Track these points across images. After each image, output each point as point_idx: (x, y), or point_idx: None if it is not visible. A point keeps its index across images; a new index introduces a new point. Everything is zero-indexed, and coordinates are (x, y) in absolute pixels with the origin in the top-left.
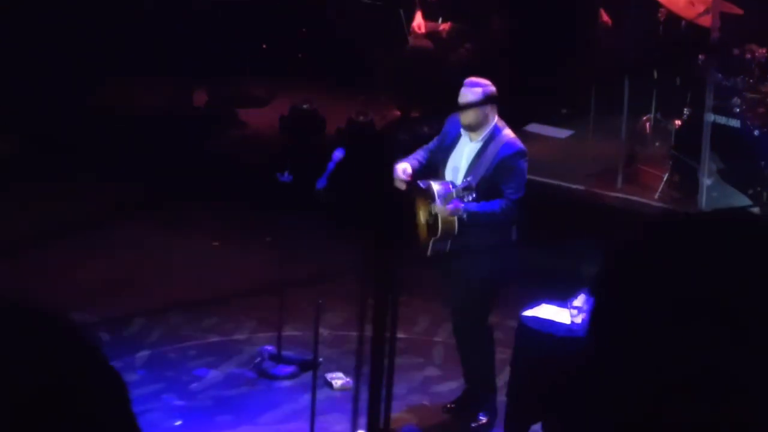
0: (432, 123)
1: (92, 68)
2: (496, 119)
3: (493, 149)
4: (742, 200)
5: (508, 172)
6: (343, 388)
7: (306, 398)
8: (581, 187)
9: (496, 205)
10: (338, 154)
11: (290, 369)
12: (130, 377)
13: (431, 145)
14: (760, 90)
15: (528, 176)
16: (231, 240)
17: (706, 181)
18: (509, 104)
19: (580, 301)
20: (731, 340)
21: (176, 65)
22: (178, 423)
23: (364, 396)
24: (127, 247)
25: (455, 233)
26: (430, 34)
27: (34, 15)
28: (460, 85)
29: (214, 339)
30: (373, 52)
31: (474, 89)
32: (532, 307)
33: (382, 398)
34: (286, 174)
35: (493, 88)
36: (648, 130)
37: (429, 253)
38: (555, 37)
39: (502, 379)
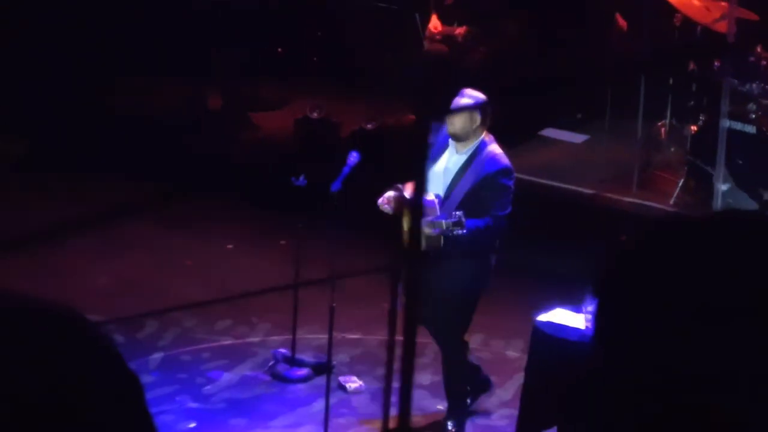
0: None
1: (106, 69)
2: (484, 134)
3: (478, 163)
4: (756, 206)
5: (493, 189)
6: (356, 392)
7: (320, 401)
8: (595, 192)
9: (482, 223)
10: (353, 158)
11: (304, 372)
12: (144, 379)
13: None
14: None
15: (543, 180)
16: (245, 242)
17: (722, 187)
18: (523, 108)
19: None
20: (738, 340)
21: (191, 67)
22: (192, 425)
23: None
24: (140, 248)
25: (440, 247)
26: (446, 38)
27: (49, 15)
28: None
29: (228, 342)
30: (389, 56)
31: (465, 99)
32: (546, 312)
33: (402, 401)
34: (300, 178)
35: (484, 99)
36: (663, 136)
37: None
38: (569, 41)
39: (515, 383)
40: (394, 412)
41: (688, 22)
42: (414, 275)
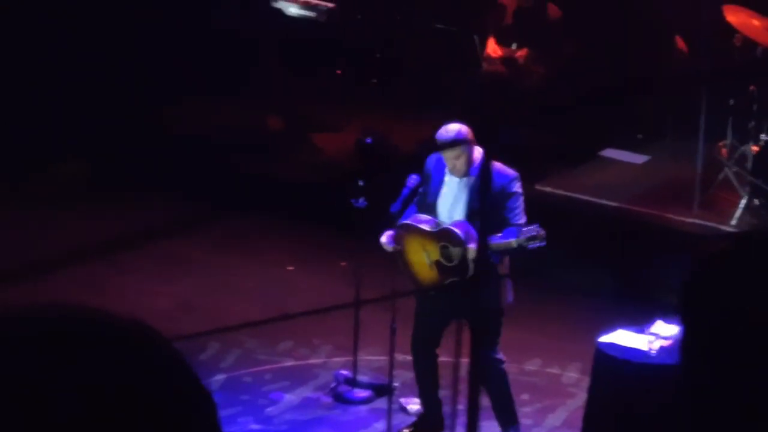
0: None
1: (168, 90)
2: (479, 152)
3: (487, 180)
4: None
5: (507, 199)
6: (418, 413)
7: (381, 423)
8: (656, 213)
9: (513, 234)
10: (413, 181)
11: (365, 394)
12: None
13: (417, 197)
14: None
15: (602, 200)
16: (306, 264)
17: None
18: (583, 129)
19: (657, 327)
20: None
21: (252, 88)
22: None
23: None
24: (200, 269)
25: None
26: (505, 60)
27: (110, 36)
28: (534, 109)
29: (290, 363)
30: (448, 78)
31: (453, 147)
32: (608, 333)
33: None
34: (360, 199)
35: (466, 129)
36: (724, 156)
37: (438, 289)
38: (629, 63)
39: (568, 409)
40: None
41: (749, 43)
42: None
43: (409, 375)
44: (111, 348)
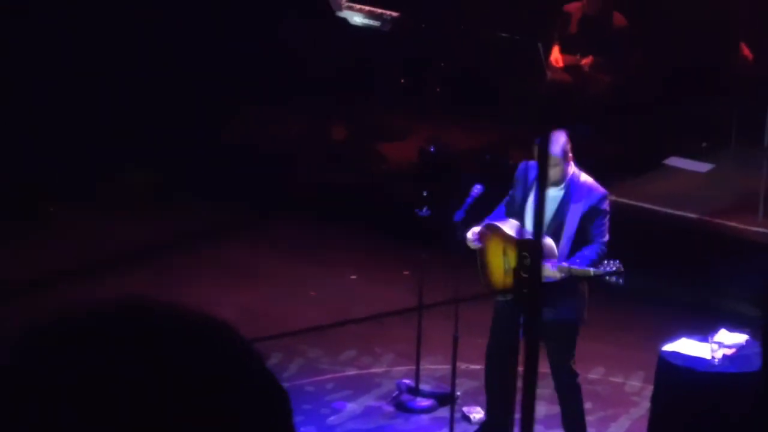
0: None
1: (232, 99)
2: (573, 167)
3: (578, 195)
4: None
5: (596, 217)
6: (480, 422)
7: None
8: (721, 221)
9: (594, 254)
10: (477, 190)
11: (428, 403)
12: None
13: (507, 198)
14: None
15: (667, 209)
16: (369, 273)
17: None
18: (648, 137)
19: (720, 335)
20: None
21: (314, 98)
22: None
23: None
24: (264, 278)
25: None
26: (569, 68)
27: (172, 49)
28: (600, 117)
29: (352, 372)
30: (512, 86)
31: (555, 149)
32: (671, 342)
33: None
34: (424, 208)
35: (566, 140)
36: None
37: (508, 297)
38: (696, 71)
39: (630, 417)
40: None
41: None
42: (534, 310)
43: (471, 384)
44: (193, 343)
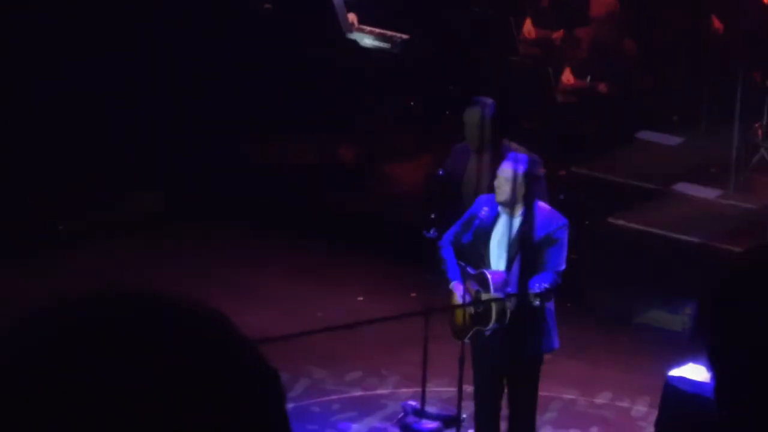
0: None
1: (240, 125)
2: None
3: (537, 224)
4: None
5: (553, 245)
6: None
7: None
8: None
9: (548, 281)
10: (485, 212)
11: (434, 425)
12: None
13: (454, 230)
14: None
15: (675, 234)
16: (376, 295)
17: None
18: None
19: None
20: None
21: (323, 121)
22: None
23: None
24: (271, 299)
25: (506, 318)
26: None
27: (185, 74)
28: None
29: (358, 393)
30: (526, 113)
31: (519, 165)
32: (678, 367)
33: None
34: (432, 230)
35: (530, 158)
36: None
37: (467, 339)
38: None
39: None
40: None
41: None
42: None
43: None
44: (188, 335)
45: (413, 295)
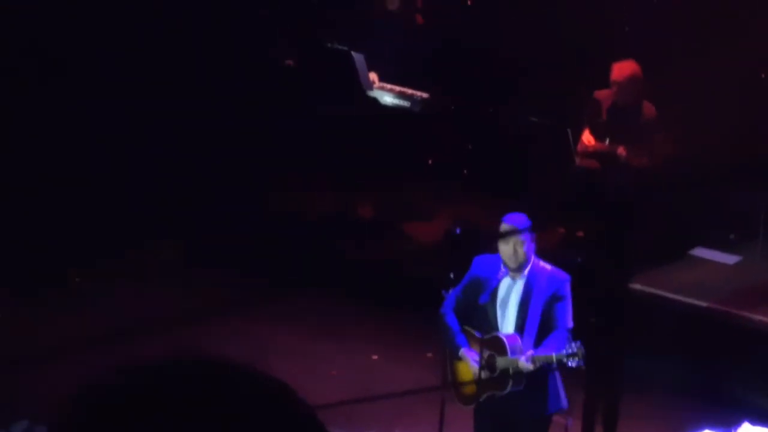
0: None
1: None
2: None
3: (541, 284)
4: None
5: (559, 302)
6: None
7: None
8: (746, 314)
9: (561, 341)
10: (503, 273)
11: None
12: None
13: (454, 296)
14: None
15: (693, 300)
16: (391, 353)
17: None
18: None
19: (744, 429)
20: None
21: (342, 176)
22: None
23: None
24: (286, 355)
25: (523, 381)
26: (597, 153)
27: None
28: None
29: None
30: (540, 170)
31: (511, 225)
32: None
33: None
34: (450, 290)
35: (530, 224)
36: None
37: (480, 401)
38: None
39: None
40: None
41: None
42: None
43: None
44: (261, 408)
45: (429, 355)
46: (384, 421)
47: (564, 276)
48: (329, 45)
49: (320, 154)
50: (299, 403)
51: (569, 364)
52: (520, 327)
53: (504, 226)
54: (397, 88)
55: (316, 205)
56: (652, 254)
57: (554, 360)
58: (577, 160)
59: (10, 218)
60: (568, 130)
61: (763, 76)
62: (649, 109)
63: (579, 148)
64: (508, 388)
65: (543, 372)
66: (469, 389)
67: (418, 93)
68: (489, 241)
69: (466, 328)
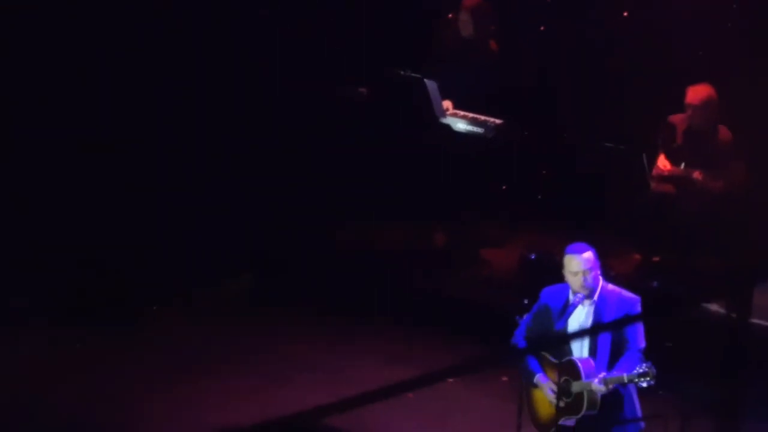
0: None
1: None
2: (601, 279)
3: (611, 307)
4: None
5: (631, 324)
6: None
7: None
8: None
9: (635, 361)
10: (578, 298)
11: None
12: None
13: (524, 325)
14: None
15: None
16: (467, 378)
17: None
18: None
19: None
20: None
21: (415, 205)
22: None
23: None
24: (364, 382)
25: (597, 405)
26: (673, 178)
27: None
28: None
29: None
30: (615, 196)
31: (585, 254)
32: None
33: None
34: (525, 316)
35: (593, 252)
36: None
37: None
38: None
39: None
40: None
41: None
42: None
43: None
44: None
45: (505, 379)
46: None
47: (633, 297)
48: (402, 73)
49: (394, 182)
50: None
51: (641, 384)
52: (593, 350)
53: (568, 257)
54: (471, 115)
55: (389, 234)
56: (725, 280)
57: (626, 381)
58: (653, 185)
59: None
60: (644, 155)
61: None
62: (724, 133)
63: (654, 172)
64: (583, 412)
65: (619, 395)
66: (544, 415)
67: (492, 119)
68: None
69: (540, 354)
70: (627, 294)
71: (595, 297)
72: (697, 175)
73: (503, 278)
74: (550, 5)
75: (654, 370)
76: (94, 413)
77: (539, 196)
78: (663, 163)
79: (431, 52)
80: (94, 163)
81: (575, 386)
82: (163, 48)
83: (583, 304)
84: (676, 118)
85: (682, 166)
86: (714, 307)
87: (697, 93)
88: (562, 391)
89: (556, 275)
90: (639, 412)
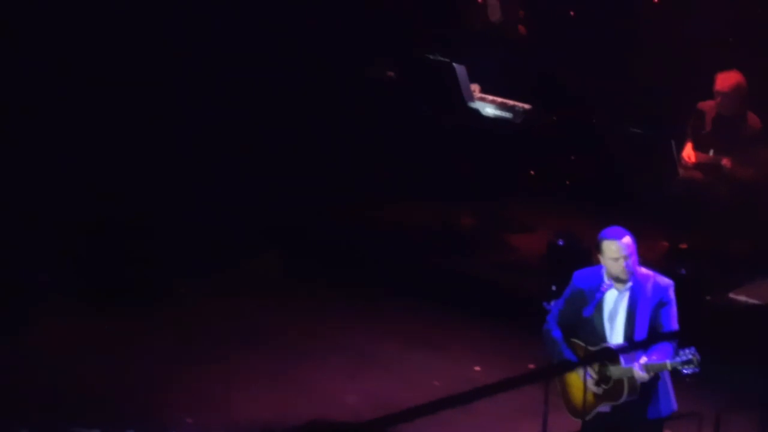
0: None
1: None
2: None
3: (646, 292)
4: None
5: (665, 308)
6: None
7: None
8: None
9: (670, 346)
10: (607, 286)
11: None
12: None
13: (557, 310)
14: None
15: None
16: (493, 365)
17: None
18: None
19: None
20: None
21: (444, 188)
22: None
23: None
24: (388, 365)
25: (637, 390)
26: (701, 165)
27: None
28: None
29: None
30: (643, 182)
31: (624, 239)
32: None
33: None
34: (552, 302)
35: (630, 237)
36: None
37: (589, 417)
38: None
39: None
40: None
41: None
42: None
43: None
44: None
45: (532, 366)
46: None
47: (667, 281)
48: (431, 57)
49: (422, 166)
50: None
51: (684, 371)
52: (629, 336)
53: (606, 243)
54: (499, 99)
55: (417, 216)
56: (755, 266)
57: (669, 367)
58: (681, 172)
59: (118, 231)
60: (672, 142)
61: None
62: (753, 119)
63: (683, 159)
64: (624, 398)
65: (655, 377)
66: (579, 402)
67: (520, 104)
68: (591, 253)
69: (573, 340)
70: (661, 279)
71: (630, 281)
72: (726, 162)
73: (530, 264)
74: None
75: (699, 357)
76: (120, 392)
77: (568, 182)
78: (688, 153)
79: (460, 36)
80: (122, 141)
81: (614, 372)
82: (190, 22)
83: (618, 289)
84: (706, 105)
85: (711, 153)
86: (742, 297)
87: (726, 80)
88: (601, 378)
89: (584, 262)
90: (672, 394)
